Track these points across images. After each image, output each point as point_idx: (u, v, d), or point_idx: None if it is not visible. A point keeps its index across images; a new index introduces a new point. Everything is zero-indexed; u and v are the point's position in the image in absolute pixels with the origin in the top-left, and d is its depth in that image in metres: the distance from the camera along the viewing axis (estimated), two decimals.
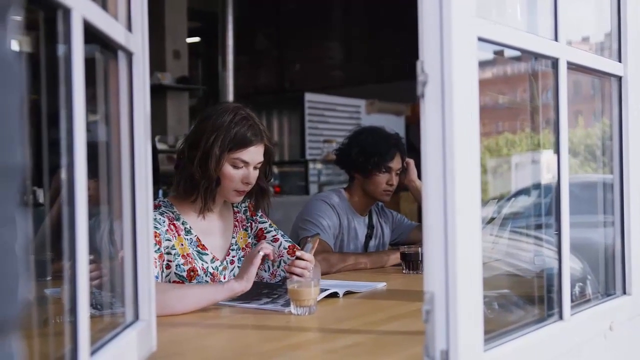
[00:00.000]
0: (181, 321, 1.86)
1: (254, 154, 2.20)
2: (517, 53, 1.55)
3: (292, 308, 1.87)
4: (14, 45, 0.60)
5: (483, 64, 1.25)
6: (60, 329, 1.23)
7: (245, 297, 2.03)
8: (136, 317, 1.35)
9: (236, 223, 2.37)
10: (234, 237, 2.35)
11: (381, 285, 2.35)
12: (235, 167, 2.19)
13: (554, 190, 1.52)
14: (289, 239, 2.41)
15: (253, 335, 1.72)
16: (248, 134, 2.17)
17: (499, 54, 1.48)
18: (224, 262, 2.29)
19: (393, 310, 1.99)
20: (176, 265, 2.16)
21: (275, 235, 2.39)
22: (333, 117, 8.03)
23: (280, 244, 2.36)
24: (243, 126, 2.17)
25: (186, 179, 2.20)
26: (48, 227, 1.87)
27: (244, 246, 2.37)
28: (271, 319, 1.84)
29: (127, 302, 1.34)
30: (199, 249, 2.23)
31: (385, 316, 1.92)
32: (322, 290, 2.05)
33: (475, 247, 1.20)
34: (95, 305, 1.30)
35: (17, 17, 0.61)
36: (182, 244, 2.19)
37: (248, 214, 2.41)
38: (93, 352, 1.07)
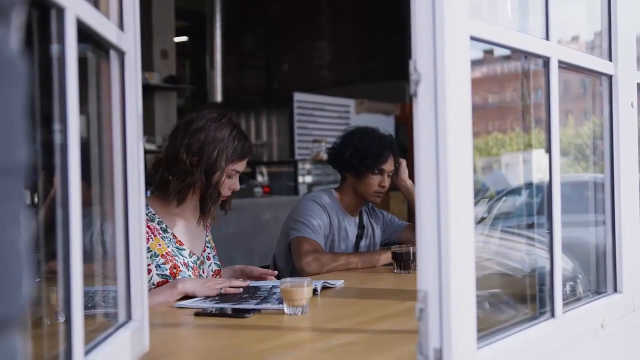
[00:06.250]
0: (173, 321, 1.85)
1: (245, 164, 2.34)
2: (506, 52, 1.55)
3: (285, 308, 1.87)
4: (17, 44, 0.60)
5: (472, 63, 1.25)
6: (51, 329, 1.22)
7: (237, 300, 2.03)
8: (129, 317, 1.35)
9: (207, 224, 2.46)
10: (207, 236, 2.45)
11: (339, 283, 2.35)
12: (229, 177, 2.29)
13: (545, 189, 1.53)
14: (219, 263, 2.47)
15: (246, 335, 1.71)
16: (247, 148, 2.30)
17: (489, 52, 1.48)
18: (201, 257, 2.37)
19: (385, 309, 2.00)
20: (156, 266, 2.19)
21: (210, 253, 2.46)
22: (322, 116, 8.01)
23: (210, 265, 2.43)
24: (241, 140, 2.29)
25: (188, 187, 2.26)
26: (37, 228, 1.86)
27: (213, 246, 2.48)
28: (264, 319, 1.84)
29: (120, 303, 1.34)
30: (177, 245, 2.29)
31: (378, 315, 1.92)
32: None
33: (469, 245, 1.20)
34: (86, 304, 1.29)
35: (20, 16, 0.61)
36: (159, 244, 2.24)
37: (209, 221, 2.49)
38: (87, 352, 1.07)
